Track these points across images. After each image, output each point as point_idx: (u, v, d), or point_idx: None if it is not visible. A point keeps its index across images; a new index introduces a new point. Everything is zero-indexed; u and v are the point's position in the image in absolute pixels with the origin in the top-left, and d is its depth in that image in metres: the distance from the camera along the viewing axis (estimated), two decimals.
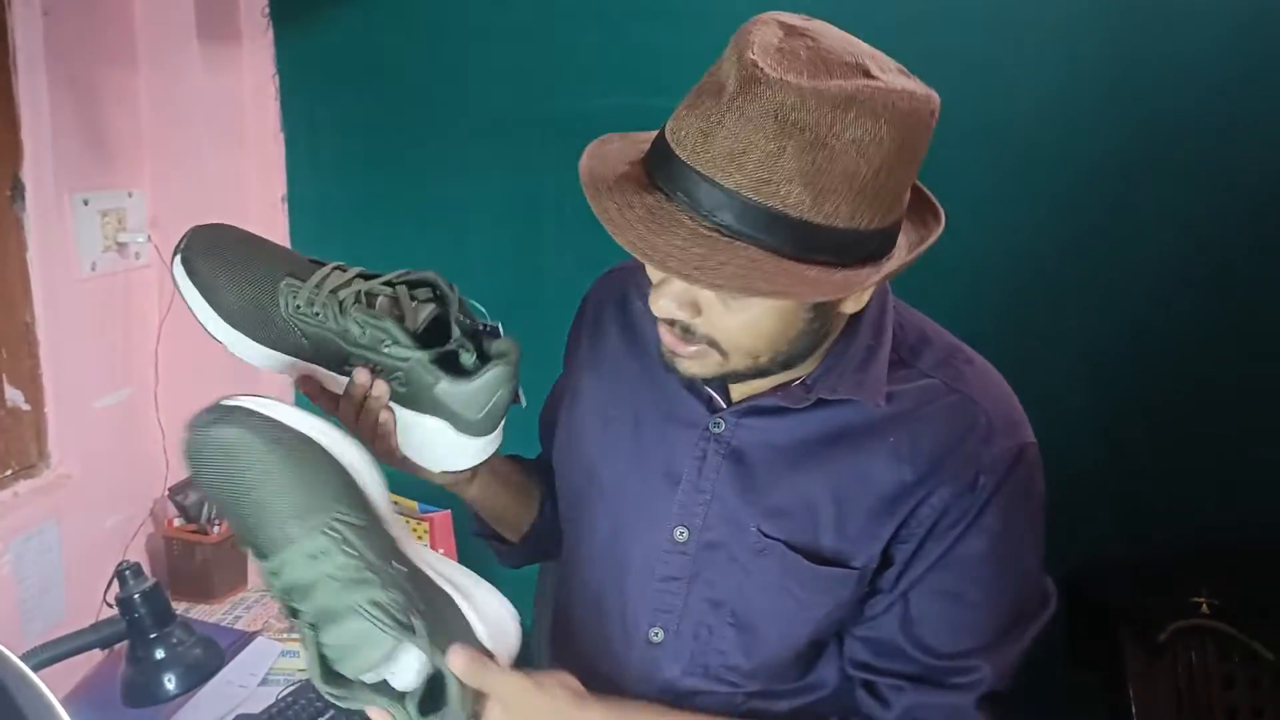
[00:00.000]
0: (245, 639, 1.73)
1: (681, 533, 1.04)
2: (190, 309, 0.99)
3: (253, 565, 1.90)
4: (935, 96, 0.84)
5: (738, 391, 1.03)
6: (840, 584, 0.99)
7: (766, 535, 1.00)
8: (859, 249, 0.84)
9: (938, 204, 0.94)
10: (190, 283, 0.98)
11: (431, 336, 1.00)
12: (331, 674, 0.85)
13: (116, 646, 1.30)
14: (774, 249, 0.81)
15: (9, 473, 1.58)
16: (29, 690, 0.66)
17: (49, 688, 0.70)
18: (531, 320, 1.60)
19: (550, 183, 1.91)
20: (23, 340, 1.60)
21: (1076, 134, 1.78)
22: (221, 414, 0.86)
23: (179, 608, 1.34)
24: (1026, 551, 1.00)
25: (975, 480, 0.96)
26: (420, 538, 1.75)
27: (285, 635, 1.74)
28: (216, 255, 0.98)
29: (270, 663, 1.71)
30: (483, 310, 1.03)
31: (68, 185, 1.64)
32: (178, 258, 0.99)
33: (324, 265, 1.00)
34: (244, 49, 1.90)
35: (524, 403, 1.05)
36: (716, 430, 1.03)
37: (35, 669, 0.77)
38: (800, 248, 0.82)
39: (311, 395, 1.03)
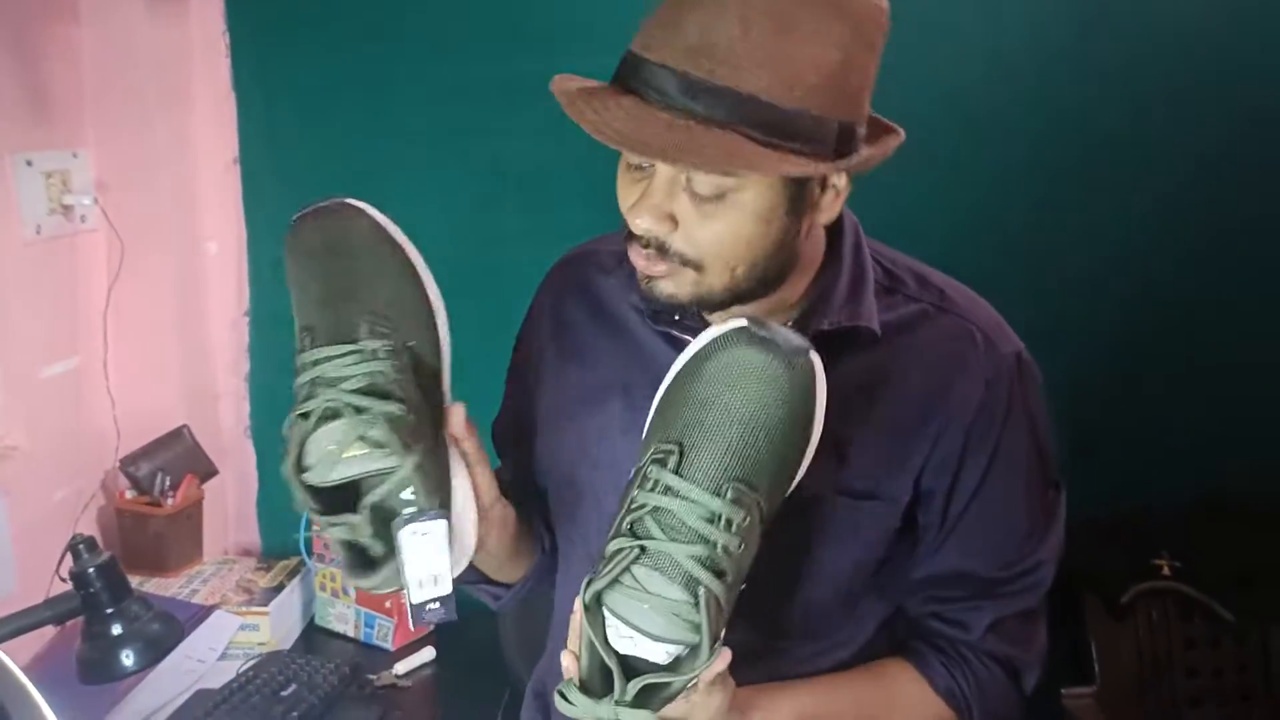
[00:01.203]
0: (203, 613, 1.69)
1: None
2: None
3: (210, 536, 1.88)
4: (886, 6, 0.88)
5: None
6: (873, 518, 0.99)
7: None
8: (827, 142, 0.86)
9: (894, 125, 0.96)
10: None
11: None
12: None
13: (70, 623, 1.26)
14: (749, 135, 0.83)
15: None
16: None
17: None
18: (492, 287, 1.57)
19: (512, 147, 1.87)
20: None
21: (1038, 101, 1.79)
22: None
23: (133, 582, 1.31)
24: (1043, 442, 1.03)
25: (988, 393, 0.98)
26: None
27: (243, 609, 1.71)
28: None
29: (229, 636, 1.68)
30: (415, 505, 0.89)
31: (10, 145, 1.57)
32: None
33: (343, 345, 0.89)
34: (192, 2, 1.83)
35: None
36: None
37: None
38: (774, 133, 0.83)
39: None
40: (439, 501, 0.87)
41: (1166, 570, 1.71)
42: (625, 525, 0.82)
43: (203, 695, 1.53)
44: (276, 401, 1.99)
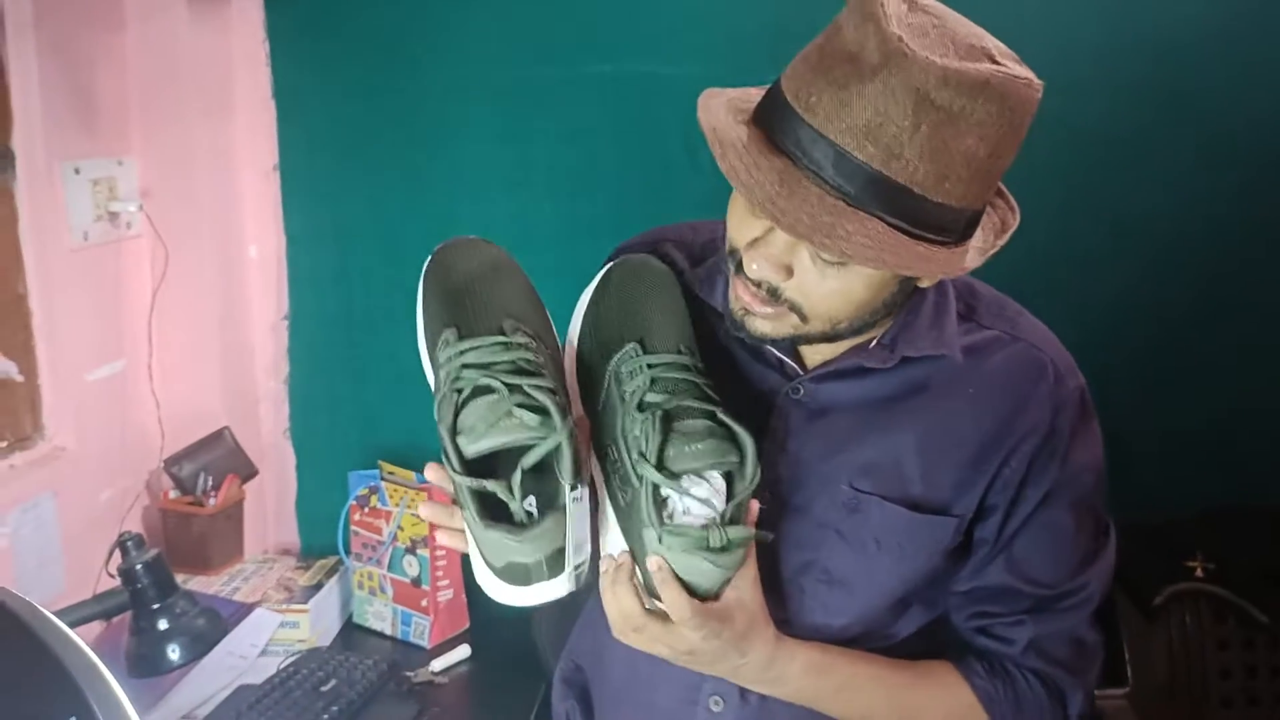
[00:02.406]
0: (244, 610, 1.72)
1: (764, 497, 1.03)
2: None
3: (250, 535, 1.91)
4: (1041, 84, 0.86)
5: (810, 356, 1.05)
6: (940, 531, 1.02)
7: (860, 491, 1.01)
8: (958, 228, 0.88)
9: (1006, 191, 0.98)
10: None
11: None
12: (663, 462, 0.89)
13: (117, 618, 1.30)
14: (892, 223, 0.84)
15: (4, 445, 1.56)
16: (76, 654, 0.66)
17: None
18: None
19: (543, 150, 1.90)
20: (15, 312, 1.58)
21: (1062, 106, 1.79)
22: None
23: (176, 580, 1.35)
24: (1100, 473, 1.06)
25: (1054, 422, 1.01)
26: (413, 506, 1.75)
27: (283, 606, 1.74)
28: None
29: (270, 633, 1.71)
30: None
31: (58, 153, 1.61)
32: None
33: (501, 335, 0.95)
34: (232, 10, 1.87)
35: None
36: (796, 396, 1.04)
37: None
38: (916, 223, 0.85)
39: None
40: (583, 474, 0.91)
41: (1199, 572, 1.70)
42: (635, 408, 0.91)
43: (244, 690, 1.56)
44: (315, 404, 2.03)
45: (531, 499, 0.90)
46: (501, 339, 0.92)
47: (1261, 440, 1.88)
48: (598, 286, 1.03)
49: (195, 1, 1.79)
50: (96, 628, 1.61)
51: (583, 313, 1.02)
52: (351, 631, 1.84)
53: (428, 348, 0.98)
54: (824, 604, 1.04)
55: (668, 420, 0.89)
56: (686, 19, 1.83)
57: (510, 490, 0.87)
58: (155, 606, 1.25)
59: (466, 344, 0.92)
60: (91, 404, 1.71)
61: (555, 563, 0.88)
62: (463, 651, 1.74)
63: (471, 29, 1.88)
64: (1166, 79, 1.80)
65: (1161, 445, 1.87)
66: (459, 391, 0.89)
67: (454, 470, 0.87)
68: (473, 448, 0.87)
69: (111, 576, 1.28)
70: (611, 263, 1.05)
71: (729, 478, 0.91)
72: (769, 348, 1.04)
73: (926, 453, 1.01)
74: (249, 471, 1.93)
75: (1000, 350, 1.03)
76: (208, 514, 1.82)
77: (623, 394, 0.93)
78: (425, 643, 1.77)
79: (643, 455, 0.88)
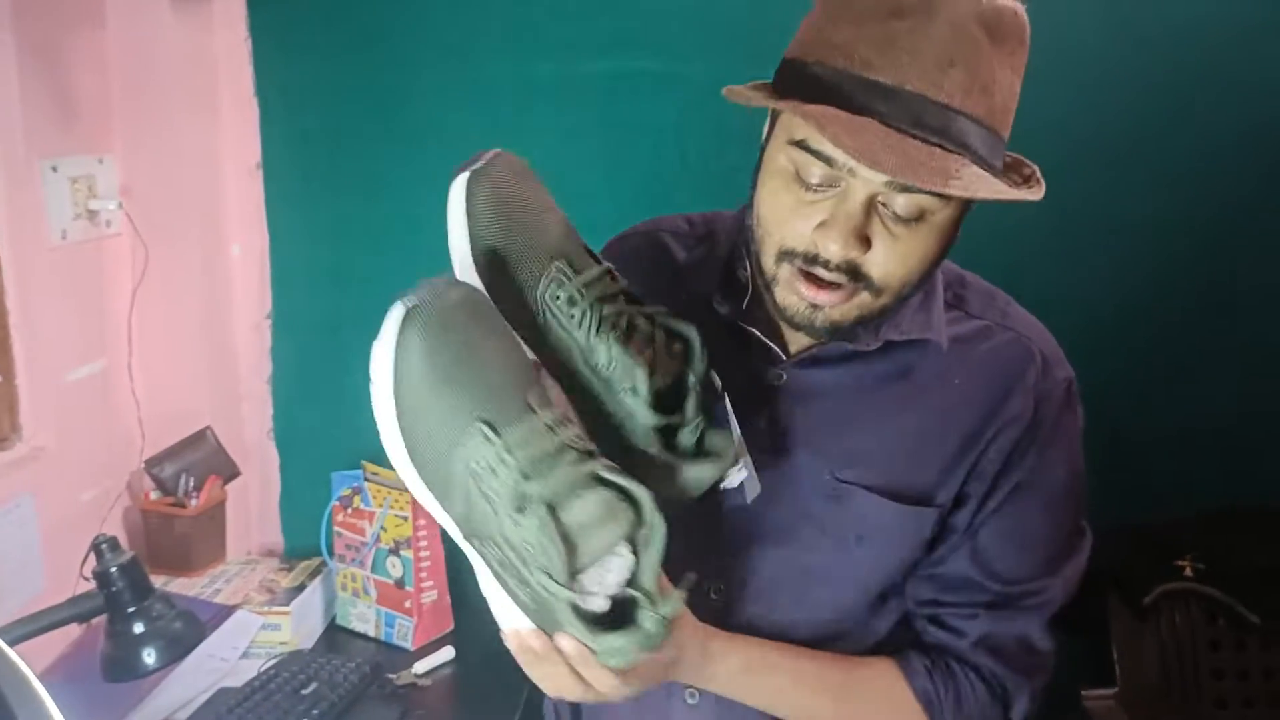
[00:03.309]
0: (225, 612, 1.71)
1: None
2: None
3: (233, 536, 1.90)
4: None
5: (795, 344, 1.03)
6: (921, 522, 1.01)
7: (842, 480, 1.00)
8: (1000, 164, 0.90)
9: None
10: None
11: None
12: (572, 570, 0.78)
13: (95, 621, 1.28)
14: (975, 159, 0.85)
15: None
16: (2, 663, 0.64)
17: (27, 663, 0.68)
18: None
19: (533, 149, 1.87)
20: None
21: (1063, 99, 1.78)
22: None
23: (157, 581, 1.33)
24: (1079, 472, 1.05)
25: (1037, 413, 1.00)
26: (403, 509, 1.74)
27: (265, 609, 1.72)
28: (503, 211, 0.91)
29: (251, 635, 1.69)
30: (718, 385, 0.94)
31: (36, 151, 1.59)
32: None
33: (597, 263, 0.91)
34: (215, 7, 1.86)
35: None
36: (779, 383, 1.03)
37: (12, 644, 0.75)
38: (990, 155, 0.87)
39: None
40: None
41: (1189, 572, 1.70)
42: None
43: (225, 693, 1.55)
44: (298, 403, 2.02)
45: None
46: (605, 268, 0.89)
47: (1256, 441, 1.87)
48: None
49: (178, 0, 1.77)
50: (73, 632, 1.59)
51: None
52: (335, 633, 1.82)
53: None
54: (801, 599, 1.03)
55: (554, 513, 0.78)
56: (681, 16, 1.82)
57: (696, 407, 0.87)
58: (131, 610, 1.23)
59: (588, 275, 0.88)
60: (71, 404, 1.69)
61: None
62: (447, 654, 1.73)
63: (458, 25, 1.86)
64: (1168, 78, 1.79)
65: (1152, 444, 1.87)
66: (613, 326, 0.86)
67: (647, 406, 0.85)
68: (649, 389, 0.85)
69: (87, 580, 1.26)
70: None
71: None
72: (756, 332, 1.02)
73: (911, 442, 1.00)
74: (231, 472, 1.92)
75: (988, 339, 1.02)
76: (190, 515, 1.81)
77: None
78: (409, 645, 1.76)
79: (548, 574, 0.78)
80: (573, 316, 0.87)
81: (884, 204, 0.87)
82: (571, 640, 0.81)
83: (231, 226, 1.95)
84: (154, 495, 1.83)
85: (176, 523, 1.81)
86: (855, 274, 0.90)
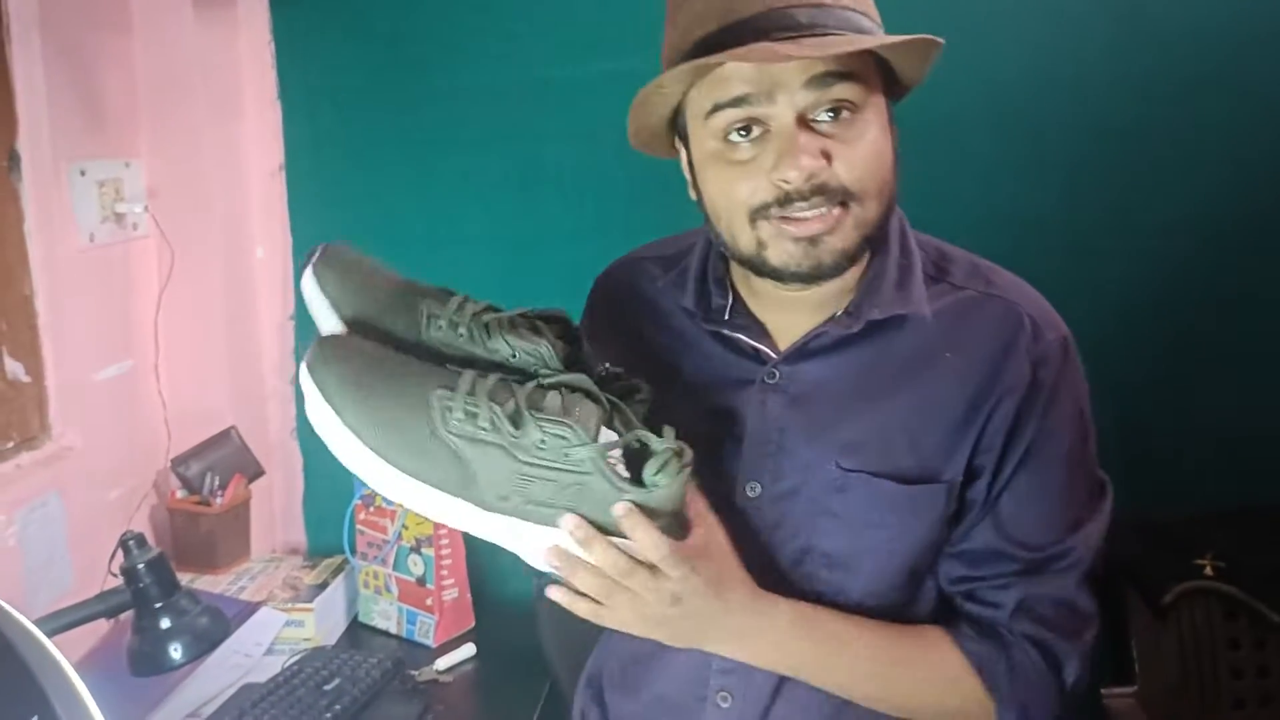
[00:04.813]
0: (249, 609, 1.73)
1: (753, 488, 1.03)
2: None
3: (257, 534, 1.92)
4: None
5: (784, 340, 1.04)
6: (932, 500, 1.01)
7: (846, 469, 1.01)
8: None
9: None
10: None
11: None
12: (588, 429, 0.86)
13: (122, 616, 1.30)
14: (856, 33, 0.92)
15: (11, 444, 1.57)
16: (38, 651, 0.66)
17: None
18: (534, 288, 1.59)
19: (550, 150, 1.90)
20: (22, 312, 1.58)
21: (1074, 95, 1.79)
22: None
23: (183, 579, 1.34)
24: (1088, 429, 1.05)
25: (1035, 376, 1.00)
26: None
27: (289, 606, 1.74)
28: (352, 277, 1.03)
29: (275, 632, 1.71)
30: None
31: (64, 155, 1.62)
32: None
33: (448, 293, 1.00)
34: (238, 12, 1.88)
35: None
36: (772, 381, 1.04)
37: None
38: (870, 31, 0.94)
39: None
40: None
41: (1209, 570, 1.69)
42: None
43: (249, 689, 1.57)
44: None
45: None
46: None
47: (1273, 437, 1.86)
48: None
49: (201, 4, 1.80)
50: (101, 627, 1.61)
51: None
52: (357, 630, 1.84)
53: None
54: (828, 586, 1.03)
55: (541, 410, 0.86)
56: None
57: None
58: (158, 605, 1.25)
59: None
60: (98, 404, 1.72)
61: None
62: (468, 650, 1.74)
63: (478, 29, 1.88)
64: (1176, 72, 1.79)
65: (1172, 441, 1.86)
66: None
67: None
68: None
69: (115, 576, 1.28)
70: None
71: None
72: (740, 336, 1.04)
73: (910, 422, 1.00)
74: (256, 471, 1.94)
75: (976, 309, 1.03)
76: (215, 513, 1.83)
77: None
78: (430, 642, 1.77)
79: (573, 446, 0.84)
80: (461, 336, 0.95)
81: (813, 119, 0.92)
82: (624, 505, 0.84)
83: (255, 228, 1.98)
84: (180, 494, 1.85)
85: (202, 521, 1.83)
86: (828, 193, 0.92)
